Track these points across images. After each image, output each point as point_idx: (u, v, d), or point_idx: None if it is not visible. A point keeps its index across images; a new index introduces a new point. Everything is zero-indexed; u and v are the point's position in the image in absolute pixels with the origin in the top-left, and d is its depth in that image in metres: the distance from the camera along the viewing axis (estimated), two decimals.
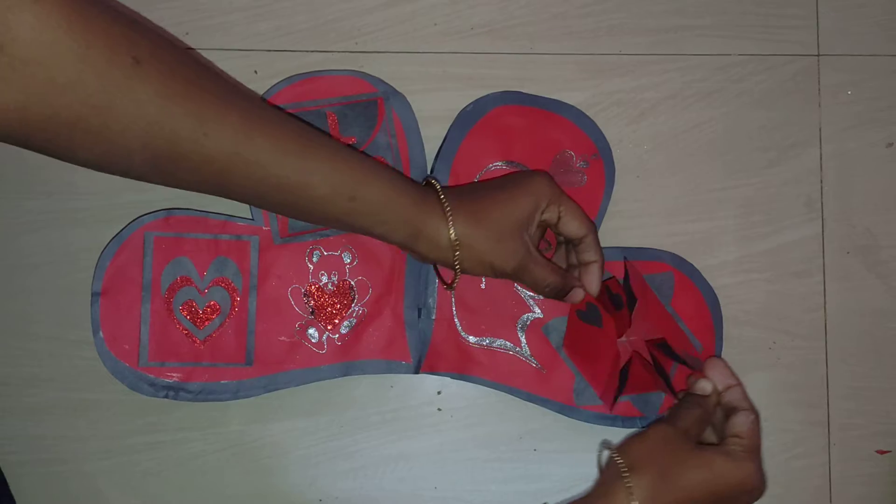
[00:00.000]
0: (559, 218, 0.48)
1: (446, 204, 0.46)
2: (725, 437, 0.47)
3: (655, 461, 0.45)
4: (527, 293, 0.52)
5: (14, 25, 0.34)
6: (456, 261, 0.46)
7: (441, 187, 0.47)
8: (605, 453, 0.46)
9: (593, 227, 0.49)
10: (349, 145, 0.47)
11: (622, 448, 0.46)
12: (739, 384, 0.49)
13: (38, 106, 0.35)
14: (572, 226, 0.48)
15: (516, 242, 0.46)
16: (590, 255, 0.49)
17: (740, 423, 0.47)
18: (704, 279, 0.53)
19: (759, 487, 0.46)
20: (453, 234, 0.45)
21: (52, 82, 0.35)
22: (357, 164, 0.44)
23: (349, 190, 0.44)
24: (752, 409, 0.48)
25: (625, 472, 0.44)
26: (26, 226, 0.52)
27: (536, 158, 0.52)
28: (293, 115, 0.45)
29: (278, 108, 0.45)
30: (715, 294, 0.53)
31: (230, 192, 0.43)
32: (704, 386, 0.49)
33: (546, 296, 0.49)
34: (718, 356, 0.52)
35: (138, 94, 0.37)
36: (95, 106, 0.36)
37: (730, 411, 0.48)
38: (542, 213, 0.47)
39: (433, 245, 0.46)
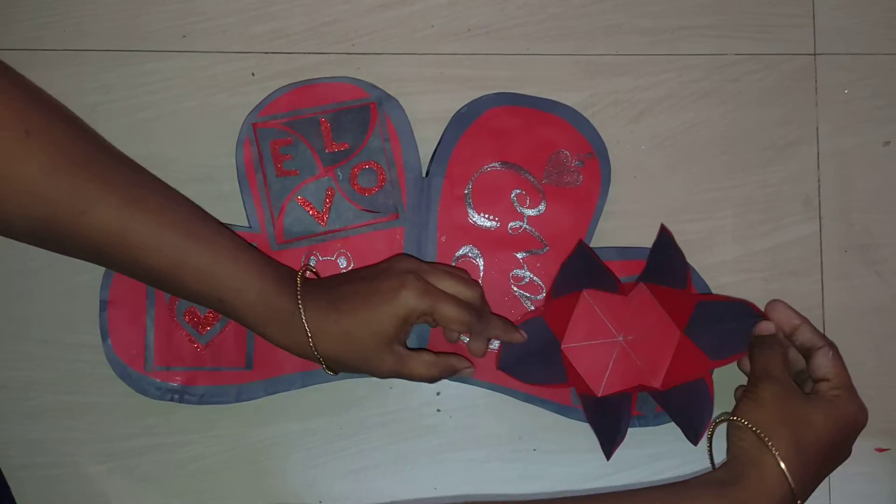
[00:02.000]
0: (435, 321, 0.46)
1: (301, 308, 0.45)
2: (815, 382, 0.48)
3: (784, 422, 0.44)
4: (523, 294, 0.52)
5: None
6: (320, 360, 0.46)
7: (300, 286, 0.46)
8: (733, 425, 0.46)
9: (473, 318, 0.46)
10: (231, 233, 0.47)
11: (748, 417, 0.45)
12: (806, 321, 0.49)
13: None
14: (452, 324, 0.46)
15: (384, 354, 0.46)
16: (485, 335, 0.49)
17: (822, 364, 0.47)
18: (701, 277, 0.53)
19: (863, 419, 0.47)
20: (305, 320, 0.45)
21: None
22: (231, 261, 0.44)
23: (221, 293, 0.44)
24: (827, 343, 0.48)
25: (766, 439, 0.44)
26: None
27: (532, 159, 0.52)
28: (180, 197, 0.46)
29: (167, 187, 0.46)
30: (711, 293, 0.53)
31: (108, 266, 0.44)
32: (768, 325, 0.49)
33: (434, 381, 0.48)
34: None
35: (23, 167, 0.38)
36: None
37: (806, 352, 0.49)
38: (413, 323, 0.46)
39: (291, 343, 0.46)
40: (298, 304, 0.45)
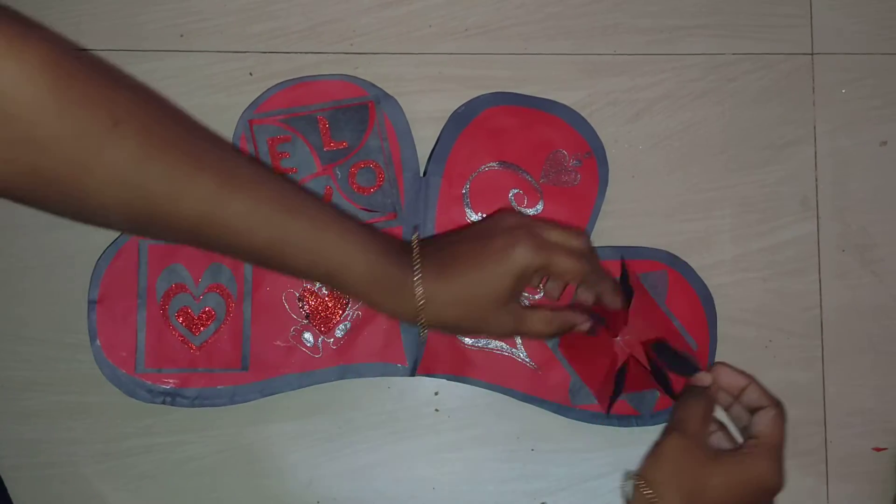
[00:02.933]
0: (549, 277, 0.46)
1: (417, 270, 0.44)
2: (746, 440, 0.46)
3: (680, 482, 0.43)
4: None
5: None
6: (421, 325, 0.45)
7: (416, 251, 0.45)
8: (629, 483, 0.44)
9: (588, 267, 0.46)
10: (330, 205, 0.45)
11: (643, 474, 0.44)
12: (752, 380, 0.48)
13: (15, 161, 0.35)
14: (567, 275, 0.45)
15: (501, 315, 0.45)
16: (595, 288, 0.48)
17: (759, 422, 0.46)
18: (699, 277, 0.53)
19: (775, 483, 0.45)
20: (419, 289, 0.43)
21: (30, 139, 0.35)
22: (335, 235, 0.43)
23: (324, 266, 0.43)
24: (773, 403, 0.47)
25: (654, 501, 0.43)
26: (21, 229, 0.52)
27: (529, 158, 0.52)
28: (274, 172, 0.44)
29: (260, 163, 0.44)
30: (709, 292, 0.53)
31: (209, 248, 0.43)
32: (705, 377, 0.47)
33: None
34: (713, 354, 0.52)
35: (115, 156, 0.37)
36: (73, 164, 0.36)
37: (753, 411, 0.47)
38: (528, 280, 0.45)
39: (398, 311, 0.44)
40: (412, 272, 0.43)
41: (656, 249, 0.53)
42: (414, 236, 0.45)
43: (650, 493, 0.43)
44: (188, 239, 0.42)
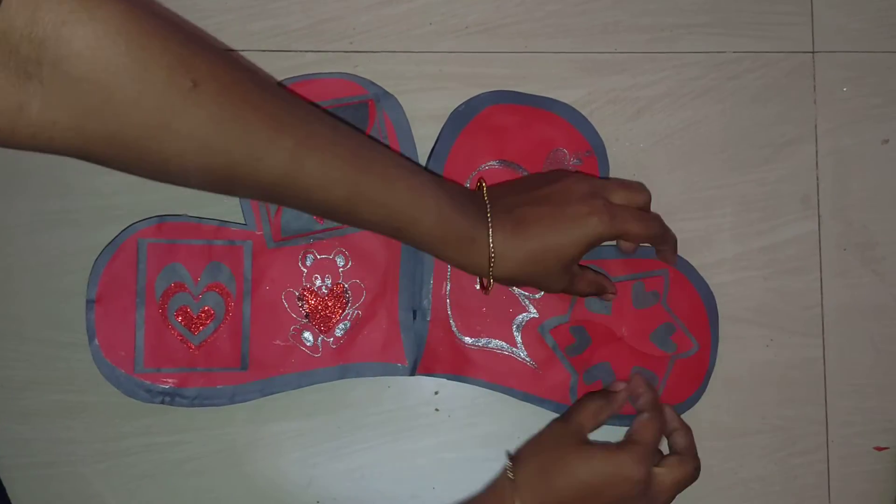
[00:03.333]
0: (621, 236, 0.48)
1: (490, 218, 0.45)
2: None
3: (539, 455, 0.47)
4: (522, 293, 0.52)
5: (69, 41, 0.33)
6: (492, 274, 0.46)
7: (488, 198, 0.47)
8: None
9: (655, 228, 0.49)
10: (403, 158, 0.48)
11: (518, 449, 0.49)
12: (686, 428, 0.50)
13: (94, 125, 0.35)
14: (639, 239, 0.49)
15: (563, 275, 0.47)
16: (658, 243, 0.51)
17: (634, 423, 0.48)
18: (700, 276, 0.53)
19: (631, 476, 0.45)
20: (492, 244, 0.45)
21: (108, 102, 0.34)
22: (408, 189, 0.44)
23: (398, 220, 0.44)
24: (653, 410, 0.49)
25: (509, 465, 0.47)
26: (19, 228, 0.52)
27: (529, 157, 0.52)
28: (352, 129, 0.45)
29: (335, 120, 0.45)
30: (711, 291, 0.53)
31: (281, 203, 0.44)
32: (617, 384, 0.50)
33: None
34: (715, 354, 0.52)
35: (194, 118, 0.37)
36: (152, 128, 0.36)
37: (672, 452, 0.50)
38: (596, 245, 0.47)
39: (471, 262, 0.46)
40: (485, 228, 0.45)
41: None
42: (481, 185, 0.48)
43: (510, 467, 0.47)
44: (265, 197, 0.43)
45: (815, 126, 0.55)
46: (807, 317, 0.54)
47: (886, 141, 0.55)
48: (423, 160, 0.53)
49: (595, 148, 0.53)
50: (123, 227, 0.51)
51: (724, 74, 0.55)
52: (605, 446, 0.47)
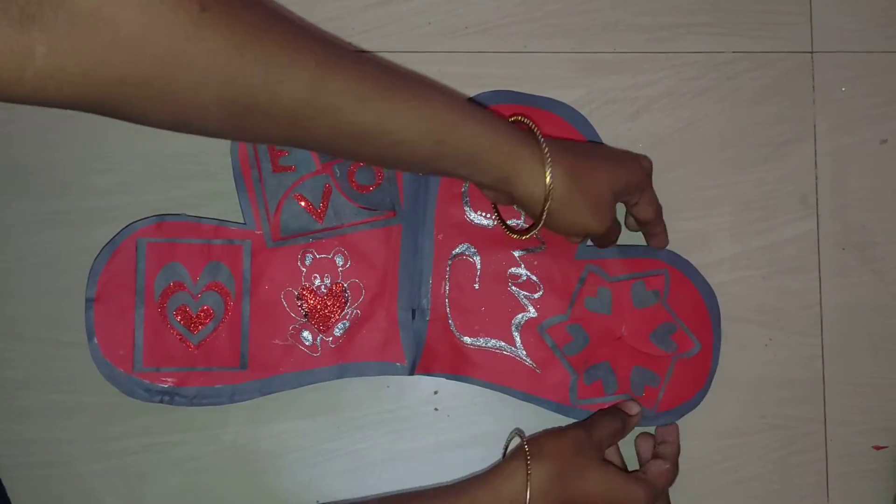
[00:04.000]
0: (637, 203, 0.50)
1: (547, 153, 0.44)
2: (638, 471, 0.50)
3: (560, 459, 0.46)
4: (521, 293, 0.52)
5: None
6: (544, 212, 0.45)
7: (539, 133, 0.45)
8: (516, 440, 0.48)
9: (660, 211, 0.51)
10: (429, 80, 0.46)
11: (535, 439, 0.47)
12: (676, 444, 0.51)
13: (103, 68, 0.33)
14: (646, 212, 0.50)
15: (610, 210, 0.47)
16: (655, 236, 0.52)
17: (654, 465, 0.49)
18: (701, 276, 0.53)
19: (633, 502, 0.47)
20: (549, 180, 0.44)
21: (115, 40, 0.33)
22: (443, 105, 0.42)
23: (435, 135, 0.42)
24: (673, 464, 0.50)
25: (529, 459, 0.45)
26: (17, 227, 0.52)
27: None
28: (373, 56, 0.43)
29: (356, 49, 0.43)
30: (712, 290, 0.53)
31: (306, 141, 0.41)
32: (632, 406, 0.51)
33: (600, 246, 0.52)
34: (717, 354, 0.52)
35: (207, 45, 0.35)
36: (163, 62, 0.34)
37: (654, 456, 0.51)
38: (632, 194, 0.49)
39: (525, 192, 0.45)
40: (543, 155, 0.44)
41: (657, 248, 0.53)
42: (532, 126, 0.46)
43: (529, 460, 0.45)
44: (290, 130, 0.40)
45: (814, 126, 0.55)
46: (806, 316, 0.54)
47: (885, 141, 0.55)
48: None
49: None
50: (121, 227, 0.51)
51: (723, 74, 0.55)
52: (622, 472, 0.47)
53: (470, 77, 0.53)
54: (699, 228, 0.54)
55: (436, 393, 0.53)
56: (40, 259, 0.52)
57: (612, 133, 0.54)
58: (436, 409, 0.53)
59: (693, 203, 0.54)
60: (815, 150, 0.55)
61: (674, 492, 0.52)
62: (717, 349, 0.52)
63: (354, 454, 0.52)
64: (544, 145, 0.44)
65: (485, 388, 0.52)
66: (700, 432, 0.53)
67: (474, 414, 0.53)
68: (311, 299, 0.51)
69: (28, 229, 0.52)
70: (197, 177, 0.52)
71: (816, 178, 0.55)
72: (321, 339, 0.51)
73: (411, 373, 0.51)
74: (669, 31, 0.55)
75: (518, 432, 0.49)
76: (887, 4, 0.56)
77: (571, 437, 0.47)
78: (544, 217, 0.45)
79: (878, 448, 0.54)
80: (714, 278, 0.53)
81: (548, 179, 0.44)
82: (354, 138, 0.41)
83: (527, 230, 0.48)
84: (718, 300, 0.53)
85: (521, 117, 0.47)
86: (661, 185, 0.54)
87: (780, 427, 0.54)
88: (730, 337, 0.53)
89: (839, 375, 0.54)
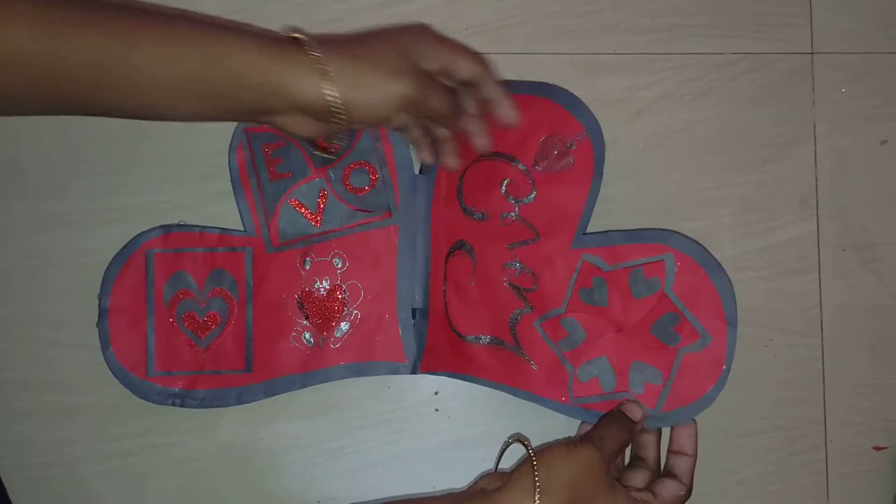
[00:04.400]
0: (442, 65, 0.45)
1: (314, 52, 0.42)
2: (647, 487, 0.47)
3: (574, 489, 0.43)
4: (515, 284, 0.51)
5: None
6: (334, 109, 0.42)
7: (308, 38, 0.43)
8: (521, 451, 0.45)
9: (486, 63, 0.47)
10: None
11: (545, 458, 0.43)
12: (693, 457, 0.49)
13: None
14: (462, 66, 0.46)
15: (406, 68, 0.44)
16: (489, 92, 0.48)
17: (668, 489, 0.47)
18: (713, 259, 0.49)
19: None
20: (320, 64, 0.42)
21: None
22: (193, 41, 0.41)
23: (194, 73, 0.41)
24: (688, 487, 0.48)
25: (538, 489, 0.42)
26: (20, 230, 0.52)
27: (522, 146, 0.51)
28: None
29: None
30: (727, 276, 0.49)
31: (118, 104, 0.42)
32: (636, 411, 0.48)
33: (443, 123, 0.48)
34: (732, 349, 0.49)
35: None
36: None
37: (667, 473, 0.48)
38: (424, 56, 0.44)
39: (307, 94, 0.42)
40: (312, 54, 0.42)
41: (665, 230, 0.50)
42: (301, 37, 0.44)
43: (538, 479, 0.42)
44: (91, 97, 0.41)
45: (814, 127, 0.55)
46: (806, 317, 0.54)
47: (885, 141, 0.55)
48: (417, 159, 0.53)
49: (589, 129, 0.51)
50: (121, 229, 0.51)
51: (723, 75, 0.55)
52: (627, 494, 0.45)
53: None
54: (699, 229, 0.54)
55: (436, 393, 0.53)
56: (40, 260, 0.52)
57: (612, 134, 0.54)
58: (436, 410, 0.53)
59: (693, 204, 0.54)
60: (815, 151, 0.55)
61: None
62: (733, 344, 0.49)
63: (355, 454, 0.52)
64: (308, 47, 0.42)
65: (485, 388, 0.52)
66: (700, 433, 0.53)
67: (475, 414, 0.53)
68: (311, 302, 0.52)
69: (28, 230, 0.52)
70: (196, 178, 0.53)
71: (816, 179, 0.55)
72: (323, 340, 0.51)
73: (413, 372, 0.52)
74: (669, 33, 0.55)
75: (519, 438, 0.47)
76: (887, 5, 0.56)
77: (584, 461, 0.43)
78: (338, 107, 0.42)
79: (877, 449, 0.54)
80: None
81: (319, 72, 0.42)
82: (136, 95, 0.41)
83: (333, 133, 0.46)
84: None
85: (295, 34, 0.45)
86: (661, 186, 0.54)
87: (781, 428, 0.54)
88: None
89: (839, 376, 0.54)
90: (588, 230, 0.51)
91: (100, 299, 0.51)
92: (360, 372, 0.51)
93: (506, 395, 0.52)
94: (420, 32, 0.46)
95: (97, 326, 0.51)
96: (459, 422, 0.53)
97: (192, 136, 0.53)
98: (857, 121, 0.55)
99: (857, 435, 0.54)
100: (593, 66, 0.54)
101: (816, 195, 0.55)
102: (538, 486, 0.42)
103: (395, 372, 0.52)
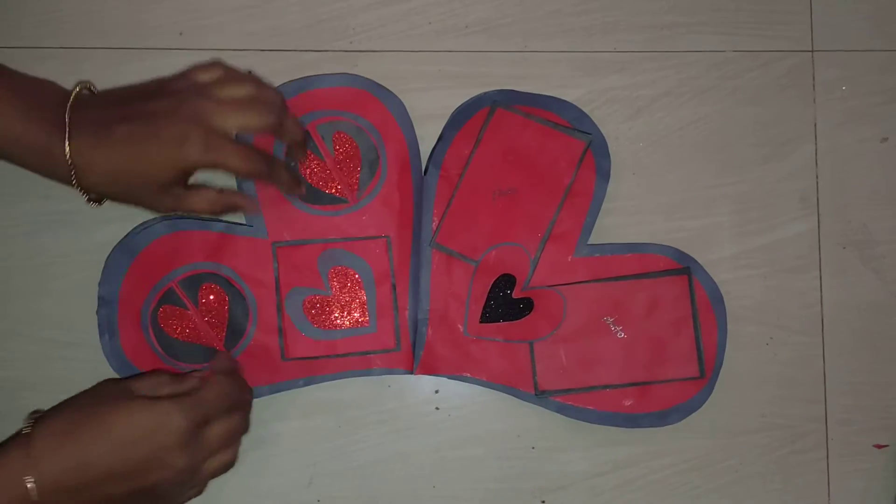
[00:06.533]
0: (216, 167, 0.43)
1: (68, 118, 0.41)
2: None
3: (69, 410, 0.41)
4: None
5: None
6: (76, 185, 0.43)
7: (70, 126, 0.42)
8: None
9: (262, 162, 0.45)
10: None
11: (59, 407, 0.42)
12: (230, 360, 0.48)
13: None
14: (240, 175, 0.46)
15: (160, 196, 0.43)
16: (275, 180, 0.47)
17: (202, 383, 0.44)
18: (707, 274, 0.52)
19: (175, 426, 0.41)
20: (69, 155, 0.41)
21: None
22: None
23: None
24: (231, 374, 0.46)
25: (30, 420, 0.40)
26: (22, 228, 0.52)
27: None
28: None
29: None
30: (718, 289, 0.52)
31: None
32: (200, 371, 0.47)
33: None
34: (722, 354, 0.52)
35: None
36: None
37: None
38: (194, 170, 0.44)
39: (63, 178, 0.42)
40: (64, 137, 0.41)
41: (663, 245, 0.53)
42: (74, 91, 0.43)
43: (27, 424, 0.41)
44: None
45: (815, 125, 0.55)
46: (806, 315, 0.54)
47: (885, 139, 0.55)
48: (423, 159, 0.53)
49: (595, 143, 0.52)
50: (121, 228, 0.51)
51: (724, 73, 0.55)
52: (147, 398, 0.42)
53: (470, 77, 0.54)
54: (700, 227, 0.54)
55: (437, 392, 0.53)
56: (41, 259, 0.52)
57: (613, 132, 0.54)
58: (437, 409, 0.53)
59: (693, 202, 0.54)
60: (816, 149, 0.55)
61: (674, 490, 0.52)
62: (722, 350, 0.52)
63: (356, 453, 0.52)
64: (68, 119, 0.42)
65: (486, 388, 0.52)
66: (701, 431, 0.53)
67: (475, 414, 0.53)
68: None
69: (30, 230, 0.52)
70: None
71: (817, 177, 0.55)
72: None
73: (413, 372, 0.52)
74: (670, 31, 0.55)
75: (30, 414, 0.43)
76: (887, 2, 0.56)
77: (89, 389, 0.43)
78: (76, 177, 0.42)
79: (878, 447, 0.54)
80: (715, 277, 0.53)
81: (71, 169, 0.41)
82: None
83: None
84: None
85: (80, 87, 0.45)
86: (662, 184, 0.54)
87: (781, 426, 0.54)
88: (731, 336, 0.53)
89: (840, 374, 0.54)
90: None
91: (107, 292, 0.50)
92: (360, 372, 0.51)
93: (506, 394, 0.52)
94: (180, 144, 0.42)
95: (97, 314, 0.50)
96: (459, 420, 0.53)
97: None
98: (857, 119, 0.55)
99: (857, 433, 0.54)
100: (593, 65, 0.54)
101: (817, 193, 0.55)
102: (31, 418, 0.41)
103: (396, 373, 0.52)
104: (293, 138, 0.48)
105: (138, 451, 0.40)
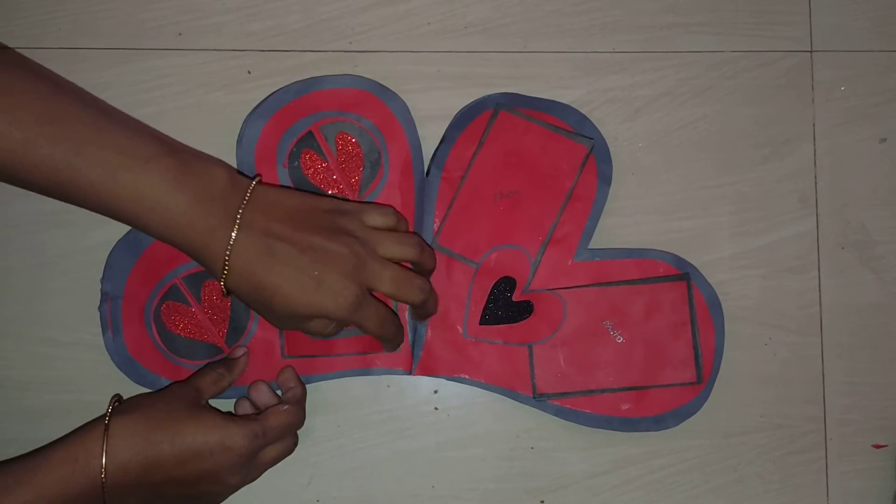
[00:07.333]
0: (353, 324, 0.44)
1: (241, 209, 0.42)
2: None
3: (147, 408, 0.44)
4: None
5: None
6: (224, 284, 0.43)
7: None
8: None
9: (390, 330, 0.46)
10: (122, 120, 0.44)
11: (125, 405, 0.45)
12: (301, 386, 0.50)
13: None
14: (369, 331, 0.45)
15: (290, 322, 0.44)
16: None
17: (272, 408, 0.47)
18: (706, 280, 0.53)
19: (237, 448, 0.44)
20: (228, 255, 0.42)
21: None
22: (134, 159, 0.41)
23: (114, 204, 0.41)
24: (297, 405, 0.48)
25: (109, 410, 0.44)
26: (19, 228, 0.52)
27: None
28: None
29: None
30: (717, 296, 0.53)
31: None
32: (237, 350, 0.50)
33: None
34: (720, 360, 0.52)
35: None
36: None
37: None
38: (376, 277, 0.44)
39: (212, 271, 0.43)
40: (230, 232, 0.42)
41: (663, 251, 0.53)
42: (256, 180, 0.44)
43: (113, 406, 0.44)
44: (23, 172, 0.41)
45: (814, 125, 0.55)
46: (805, 315, 0.54)
47: (884, 140, 0.55)
48: (425, 160, 0.53)
49: (596, 148, 0.52)
50: (121, 227, 0.50)
51: (723, 73, 0.55)
52: (218, 414, 0.45)
53: (469, 77, 0.54)
54: (698, 228, 0.54)
55: (436, 392, 0.53)
56: (41, 259, 0.52)
57: (612, 133, 0.54)
58: (436, 409, 0.53)
59: (692, 202, 0.54)
60: (815, 150, 0.55)
61: (673, 490, 0.52)
62: (720, 355, 0.52)
63: (355, 453, 0.52)
64: (240, 215, 0.42)
65: (485, 389, 0.52)
66: (700, 431, 0.53)
67: (474, 414, 0.53)
68: None
69: (29, 229, 0.52)
70: None
71: (816, 178, 0.55)
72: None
73: (412, 373, 0.52)
74: (668, 31, 0.55)
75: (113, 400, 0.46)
76: (886, 3, 0.56)
77: (165, 391, 0.46)
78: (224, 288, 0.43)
79: (877, 447, 0.54)
80: (713, 278, 0.53)
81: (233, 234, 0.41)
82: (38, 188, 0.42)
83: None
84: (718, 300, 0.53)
85: (258, 177, 0.44)
86: (661, 184, 0.54)
87: (780, 426, 0.54)
88: (729, 336, 0.53)
89: (839, 374, 0.54)
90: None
91: (112, 289, 0.50)
92: (360, 371, 0.51)
93: (506, 395, 0.52)
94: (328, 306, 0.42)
95: (99, 310, 0.50)
96: (459, 420, 0.53)
97: (194, 135, 0.52)
98: (856, 119, 0.55)
99: (856, 433, 0.54)
100: (593, 65, 0.54)
101: (816, 193, 0.55)
102: (110, 409, 0.44)
103: (395, 373, 0.52)
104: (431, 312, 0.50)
105: (200, 464, 0.43)
